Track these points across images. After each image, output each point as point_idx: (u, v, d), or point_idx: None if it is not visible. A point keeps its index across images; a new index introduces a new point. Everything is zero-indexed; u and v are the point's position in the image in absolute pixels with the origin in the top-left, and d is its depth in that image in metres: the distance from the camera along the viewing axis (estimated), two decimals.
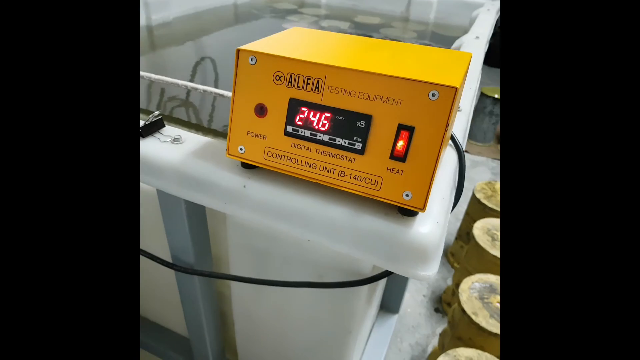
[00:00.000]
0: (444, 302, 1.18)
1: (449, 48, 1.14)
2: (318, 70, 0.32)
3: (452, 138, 0.43)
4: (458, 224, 1.39)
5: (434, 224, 0.32)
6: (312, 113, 0.33)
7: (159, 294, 0.70)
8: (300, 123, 0.33)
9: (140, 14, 1.23)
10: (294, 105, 0.33)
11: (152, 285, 0.69)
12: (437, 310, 1.17)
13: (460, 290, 0.87)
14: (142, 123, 0.42)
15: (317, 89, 0.32)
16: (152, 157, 0.40)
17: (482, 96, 2.04)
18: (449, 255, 1.36)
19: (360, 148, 0.32)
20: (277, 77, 0.33)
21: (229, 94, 0.69)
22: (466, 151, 2.12)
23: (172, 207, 0.46)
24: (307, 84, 0.32)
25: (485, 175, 1.92)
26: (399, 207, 0.33)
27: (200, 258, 0.51)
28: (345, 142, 0.32)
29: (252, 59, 0.34)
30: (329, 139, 0.33)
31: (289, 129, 0.34)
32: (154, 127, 0.43)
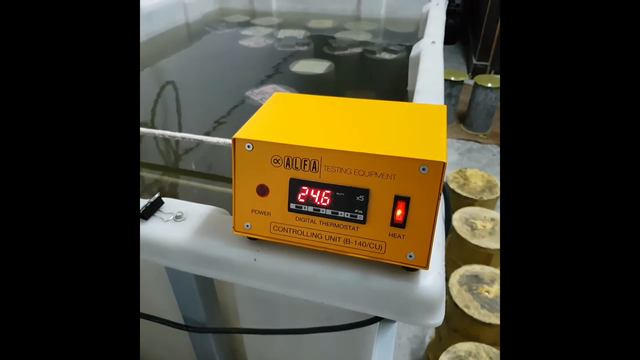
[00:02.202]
0: None
1: (406, 52, 1.16)
2: (314, 153, 0.34)
3: None
4: None
5: (436, 274, 0.36)
6: (312, 191, 0.35)
7: (175, 350, 0.71)
8: (302, 200, 0.36)
9: None
10: (295, 185, 0.35)
11: (166, 343, 0.70)
12: None
13: (450, 284, 0.93)
14: (142, 205, 0.43)
15: (314, 169, 0.35)
16: (158, 238, 0.41)
17: None
18: None
19: (362, 219, 0.34)
20: (275, 161, 0.35)
21: (204, 138, 0.70)
22: None
23: (181, 280, 0.47)
24: (305, 165, 0.35)
25: (453, 157, 1.99)
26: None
27: (210, 316, 0.52)
28: (347, 215, 0.35)
29: (248, 146, 0.35)
30: (332, 212, 0.35)
31: (292, 206, 0.36)
32: (155, 207, 0.44)
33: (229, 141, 0.67)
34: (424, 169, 0.32)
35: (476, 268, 0.96)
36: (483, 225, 1.09)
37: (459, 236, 1.07)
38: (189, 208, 0.44)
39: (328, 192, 0.35)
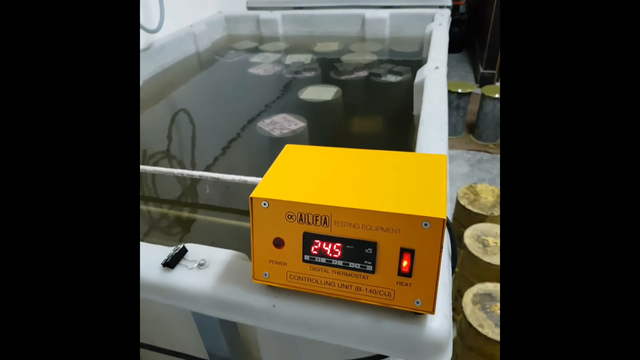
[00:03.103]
0: None
1: (412, 74, 1.19)
2: (324, 210, 0.37)
3: None
4: None
5: (442, 317, 0.38)
6: (324, 244, 0.38)
7: None
8: (315, 252, 0.39)
9: None
10: (308, 238, 0.38)
11: None
12: None
13: (463, 304, 0.94)
14: (168, 254, 0.47)
15: (325, 224, 0.38)
16: (184, 286, 0.45)
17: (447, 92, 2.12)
18: None
19: (371, 269, 0.37)
20: (289, 216, 0.39)
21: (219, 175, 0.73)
22: None
23: (206, 322, 0.51)
24: (317, 220, 0.38)
25: (463, 168, 2.01)
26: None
27: (233, 352, 0.56)
28: (357, 265, 0.38)
29: (264, 204, 0.39)
30: (343, 263, 0.38)
31: (306, 257, 0.39)
32: (180, 256, 0.47)
33: (245, 179, 0.71)
34: (426, 224, 0.34)
35: (489, 286, 0.98)
36: (495, 242, 1.11)
37: (471, 254, 1.09)
38: (211, 254, 0.48)
39: (339, 245, 0.38)
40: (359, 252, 0.37)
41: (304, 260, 0.39)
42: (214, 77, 1.51)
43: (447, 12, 1.54)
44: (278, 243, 0.40)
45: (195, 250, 0.49)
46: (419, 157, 0.44)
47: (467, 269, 1.12)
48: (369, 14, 1.65)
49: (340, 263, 0.38)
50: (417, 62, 1.42)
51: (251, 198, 0.39)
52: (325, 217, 0.37)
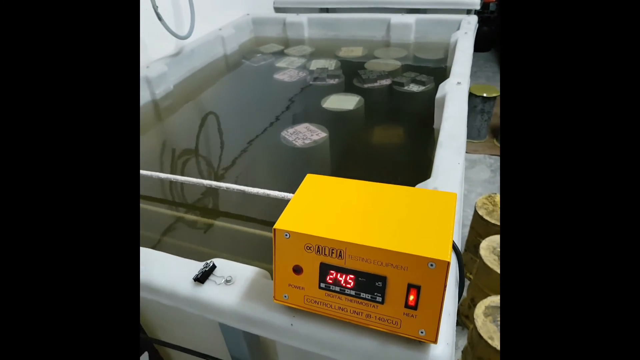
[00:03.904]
0: (462, 315, 1.29)
1: (434, 84, 1.20)
2: (340, 245, 0.41)
3: None
4: (466, 231, 1.48)
5: (445, 345, 0.42)
6: (339, 274, 0.42)
7: None
8: (330, 281, 0.43)
9: (145, 91, 1.32)
10: (324, 268, 0.43)
11: None
12: (457, 323, 1.27)
13: (475, 315, 0.97)
14: (199, 269, 0.52)
15: (340, 257, 0.42)
16: (213, 300, 0.50)
17: (471, 96, 2.11)
18: None
19: (380, 300, 0.41)
20: (308, 247, 0.43)
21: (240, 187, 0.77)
22: None
23: (231, 332, 0.56)
24: (332, 253, 0.42)
25: (485, 173, 2.00)
26: None
27: (255, 357, 0.61)
28: (368, 296, 0.42)
29: (286, 235, 0.43)
30: (355, 293, 0.42)
31: (322, 285, 0.43)
32: (209, 273, 0.52)
33: (268, 192, 0.76)
34: (431, 265, 0.38)
35: None
36: None
37: (485, 265, 1.11)
38: (237, 271, 0.53)
39: (352, 276, 0.42)
40: (370, 284, 0.41)
41: (320, 287, 0.43)
42: (241, 82, 1.56)
43: (474, 18, 1.54)
44: (297, 270, 0.44)
45: (223, 267, 0.54)
46: (430, 194, 0.48)
47: (481, 280, 1.15)
48: (395, 19, 1.66)
49: (352, 293, 0.42)
50: (441, 70, 1.43)
51: (274, 229, 0.43)
52: (340, 251, 0.41)
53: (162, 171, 0.94)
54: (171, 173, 0.91)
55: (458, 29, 1.48)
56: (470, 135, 2.23)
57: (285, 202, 0.68)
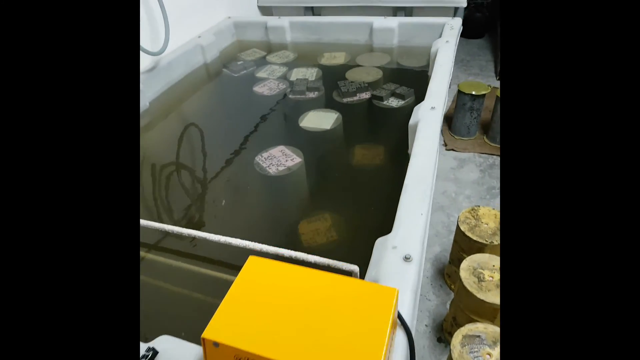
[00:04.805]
0: (446, 332, 1.27)
1: (414, 97, 1.15)
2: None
3: (400, 318, 0.50)
4: (450, 238, 1.46)
5: None
6: None
7: None
8: None
9: None
10: None
11: None
12: (439, 339, 1.26)
13: (452, 345, 0.95)
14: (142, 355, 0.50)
15: None
16: None
17: (460, 94, 2.05)
18: (446, 277, 1.43)
19: None
20: (238, 358, 0.40)
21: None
22: (452, 149, 2.15)
23: None
24: None
25: (474, 174, 1.96)
26: None
27: None
28: None
29: (215, 344, 0.41)
30: None
31: None
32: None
33: (230, 240, 0.73)
34: None
35: (480, 327, 0.98)
36: (491, 276, 1.10)
37: (465, 288, 1.08)
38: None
39: None
40: None
41: None
42: (219, 95, 1.51)
43: (458, 22, 1.47)
44: None
45: (166, 350, 0.51)
46: (371, 290, 0.45)
47: (462, 301, 1.13)
48: (377, 23, 1.59)
49: None
50: (422, 80, 1.37)
51: (203, 338, 0.41)
52: None
53: None
54: None
55: (441, 34, 1.42)
56: (460, 132, 2.17)
57: (247, 251, 0.65)
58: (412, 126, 0.95)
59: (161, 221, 0.95)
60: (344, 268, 0.65)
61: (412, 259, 0.58)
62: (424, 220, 0.66)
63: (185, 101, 1.45)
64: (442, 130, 2.21)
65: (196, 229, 0.78)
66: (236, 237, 0.73)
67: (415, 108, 1.00)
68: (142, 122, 1.31)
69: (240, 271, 0.48)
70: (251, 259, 0.50)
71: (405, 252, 0.60)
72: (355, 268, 0.64)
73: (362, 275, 0.63)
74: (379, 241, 0.65)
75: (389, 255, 0.60)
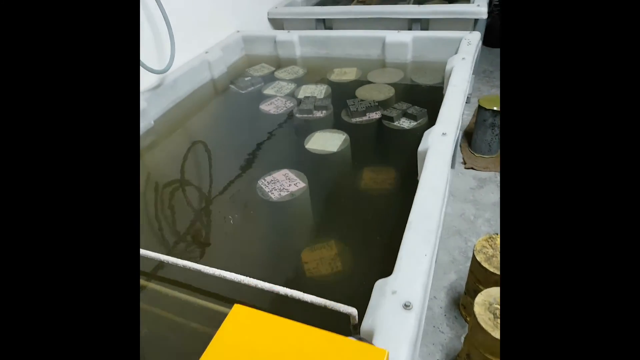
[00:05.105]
0: None
1: (427, 118, 1.12)
2: None
3: None
4: (467, 265, 1.42)
5: None
6: None
7: None
8: None
9: None
10: None
11: None
12: None
13: None
14: None
15: None
16: None
17: (481, 109, 2.02)
18: (461, 307, 1.39)
19: None
20: None
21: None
22: (472, 168, 2.11)
23: None
24: None
25: (495, 195, 1.92)
26: None
27: None
28: None
29: None
30: None
31: None
32: None
33: (225, 274, 0.72)
34: None
35: None
36: None
37: (479, 324, 1.05)
38: None
39: None
40: None
41: None
42: (225, 114, 1.51)
43: (476, 37, 1.44)
44: None
45: None
46: (358, 351, 0.43)
47: (477, 339, 1.09)
48: (390, 37, 1.58)
49: None
50: (436, 99, 1.35)
51: None
52: None
53: None
54: None
55: (457, 51, 1.40)
56: (480, 150, 2.13)
57: (240, 286, 0.64)
58: (422, 153, 0.92)
59: (160, 243, 0.95)
60: (341, 310, 0.63)
61: (412, 307, 0.56)
62: (428, 262, 0.64)
63: (190, 119, 1.46)
64: (460, 147, 2.18)
65: (195, 254, 0.78)
66: (236, 262, 0.72)
67: (426, 133, 0.97)
68: (147, 140, 1.32)
69: (223, 323, 0.47)
70: (236, 308, 0.49)
71: (405, 298, 0.57)
72: (353, 311, 0.62)
73: (361, 318, 0.61)
74: (379, 284, 0.63)
75: (387, 302, 0.58)
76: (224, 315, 0.47)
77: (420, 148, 0.93)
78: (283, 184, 1.06)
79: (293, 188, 1.04)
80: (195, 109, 1.51)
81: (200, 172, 1.22)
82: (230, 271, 0.73)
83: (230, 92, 1.59)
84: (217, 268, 0.75)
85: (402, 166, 1.12)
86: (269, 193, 1.04)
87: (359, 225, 0.99)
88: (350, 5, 2.16)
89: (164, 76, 1.45)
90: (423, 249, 0.65)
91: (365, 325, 0.57)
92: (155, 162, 1.26)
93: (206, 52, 1.65)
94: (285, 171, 1.10)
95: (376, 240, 0.95)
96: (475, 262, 1.26)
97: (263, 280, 0.69)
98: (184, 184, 1.18)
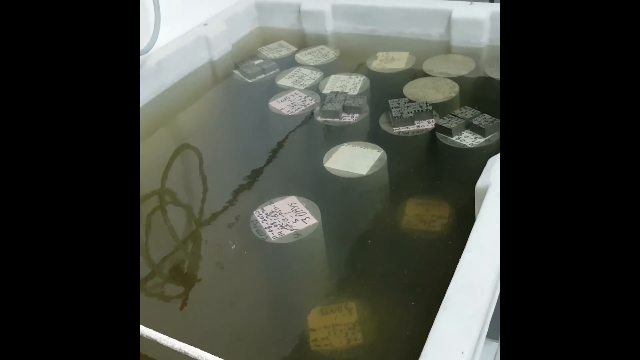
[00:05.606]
0: None
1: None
2: None
3: None
4: None
5: None
6: None
7: None
8: None
9: None
10: None
11: None
12: None
13: None
14: None
15: None
16: None
17: None
18: None
19: None
20: None
21: None
22: None
23: None
24: None
25: None
26: None
27: None
28: None
29: None
30: None
31: None
32: None
33: None
34: None
35: None
36: None
37: None
38: None
39: None
40: None
41: None
42: (223, 111, 1.54)
43: None
44: None
45: None
46: None
47: None
48: (458, 11, 1.55)
49: None
50: None
51: None
52: None
53: None
54: None
55: None
56: None
57: None
58: (480, 191, 0.88)
59: None
60: None
61: None
62: None
63: (176, 116, 1.50)
64: None
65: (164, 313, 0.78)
66: (217, 328, 0.72)
67: (489, 162, 0.93)
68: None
69: None
70: None
71: None
72: None
73: None
74: None
75: None
76: None
77: (479, 184, 0.89)
78: (287, 217, 1.05)
79: (300, 225, 1.03)
80: (184, 102, 1.54)
81: (183, 186, 1.24)
82: (197, 341, 0.72)
83: (233, 81, 1.61)
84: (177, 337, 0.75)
85: (462, 201, 1.07)
86: (266, 230, 1.03)
87: (393, 284, 0.96)
88: None
89: (145, 57, 1.49)
90: (460, 342, 0.62)
91: None
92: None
93: (205, 25, 1.68)
94: (292, 199, 1.10)
95: (410, 307, 0.92)
96: None
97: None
98: (163, 199, 1.20)
